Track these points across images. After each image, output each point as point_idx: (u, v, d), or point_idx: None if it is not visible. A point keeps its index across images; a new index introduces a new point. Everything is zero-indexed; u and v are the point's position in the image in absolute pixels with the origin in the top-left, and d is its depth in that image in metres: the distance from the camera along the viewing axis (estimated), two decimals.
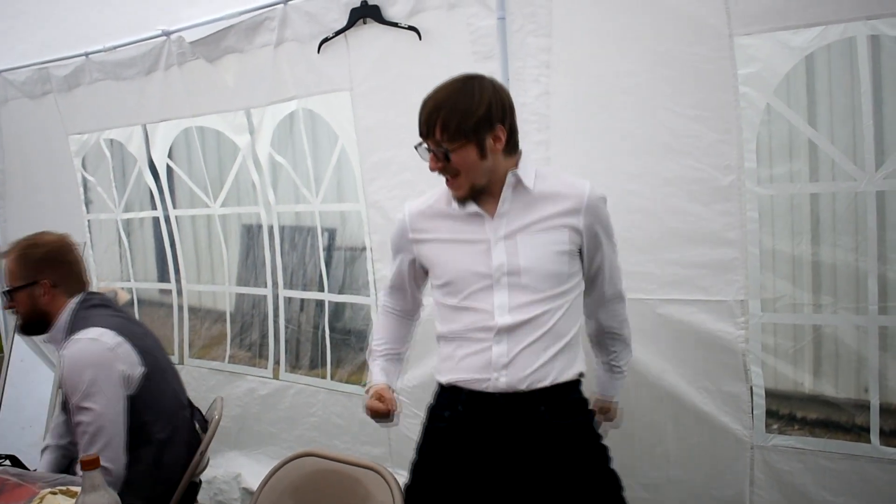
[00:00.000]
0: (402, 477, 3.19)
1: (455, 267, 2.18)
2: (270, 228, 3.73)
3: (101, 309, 2.66)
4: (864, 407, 2.43)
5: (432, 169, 2.13)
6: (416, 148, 2.15)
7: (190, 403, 2.85)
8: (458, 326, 2.18)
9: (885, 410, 2.45)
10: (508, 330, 2.09)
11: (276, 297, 3.79)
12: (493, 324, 2.10)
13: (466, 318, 2.16)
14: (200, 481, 2.85)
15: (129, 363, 2.52)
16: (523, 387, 2.08)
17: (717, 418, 2.54)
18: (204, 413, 2.92)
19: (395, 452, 3.30)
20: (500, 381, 2.09)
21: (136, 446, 2.50)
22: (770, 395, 2.57)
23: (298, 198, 3.61)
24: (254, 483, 3.47)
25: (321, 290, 3.65)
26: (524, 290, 2.10)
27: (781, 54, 2.35)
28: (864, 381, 2.48)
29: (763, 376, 2.55)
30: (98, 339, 2.50)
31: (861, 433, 2.44)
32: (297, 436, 3.63)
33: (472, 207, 2.15)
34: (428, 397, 3.14)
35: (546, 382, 2.09)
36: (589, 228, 2.14)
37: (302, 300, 3.77)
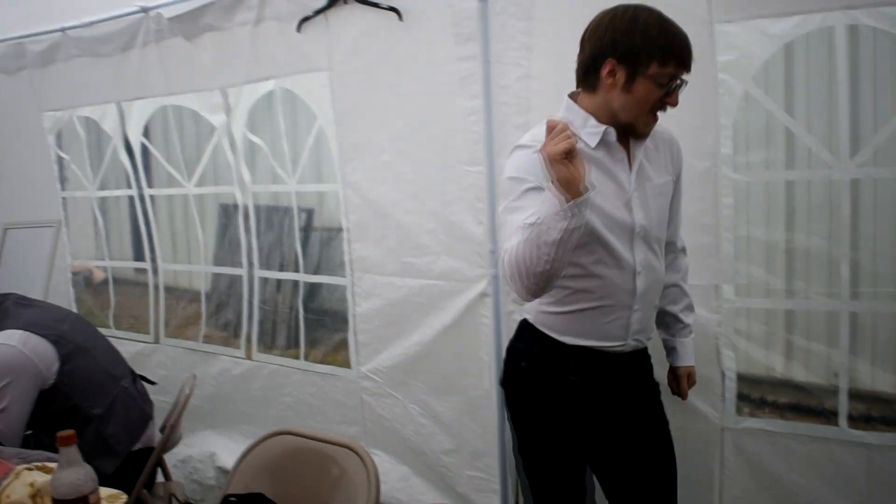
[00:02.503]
0: (377, 456, 3.23)
1: (603, 217, 1.99)
2: (246, 208, 3.71)
3: (12, 308, 2.70)
4: (834, 392, 2.47)
5: (675, 105, 1.98)
6: (677, 86, 1.95)
7: (130, 372, 2.91)
8: (595, 286, 2.05)
9: (854, 395, 2.49)
10: (643, 294, 2.09)
11: (250, 278, 3.78)
12: (633, 287, 2.07)
13: (608, 277, 2.04)
14: (151, 449, 2.90)
15: (43, 358, 2.60)
16: (643, 345, 2.20)
17: (689, 401, 2.57)
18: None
19: (369, 432, 3.32)
20: (630, 342, 2.13)
21: (76, 428, 2.54)
22: (742, 378, 2.61)
23: (275, 178, 3.59)
24: (229, 462, 3.48)
25: (297, 270, 3.65)
26: (649, 247, 2.09)
27: (760, 42, 2.37)
28: (834, 366, 2.51)
29: (735, 360, 2.58)
30: (6, 343, 2.57)
31: (830, 417, 2.48)
32: (272, 415, 3.63)
33: (621, 153, 2.04)
34: (403, 378, 3.17)
35: (651, 335, 2.22)
36: (678, 175, 2.17)
37: (278, 280, 3.77)
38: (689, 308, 2.38)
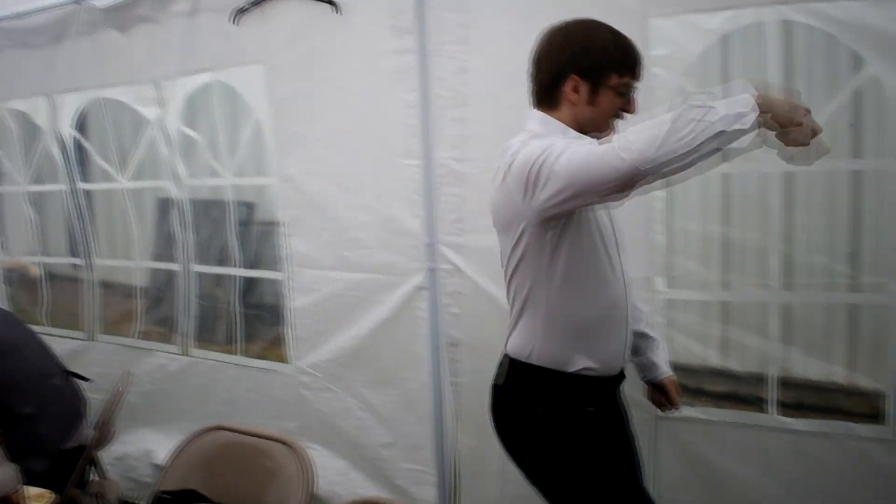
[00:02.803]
0: (316, 451, 3.22)
1: (599, 224, 2.00)
2: (181, 203, 3.66)
3: None
4: (766, 380, 2.51)
5: (633, 113, 2.00)
6: (628, 93, 1.98)
7: (62, 369, 2.87)
8: (599, 305, 2.02)
9: (785, 383, 2.55)
10: (631, 307, 2.10)
11: (186, 273, 3.73)
12: (625, 298, 2.06)
13: (607, 293, 2.02)
14: (84, 447, 2.86)
15: None
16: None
17: (626, 391, 2.60)
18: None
19: (307, 426, 3.30)
20: (623, 361, 2.14)
21: (6, 427, 2.50)
22: (679, 369, 2.64)
23: (212, 172, 3.55)
24: (166, 459, 3.43)
25: (234, 265, 3.62)
26: (622, 258, 2.09)
27: (694, 37, 2.41)
28: (766, 356, 2.56)
29: (671, 351, 2.61)
30: None
31: (762, 405, 2.53)
32: (210, 411, 3.59)
33: None
34: (341, 373, 3.17)
35: None
36: None
37: (216, 275, 3.73)
38: (647, 322, 2.39)
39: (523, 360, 2.04)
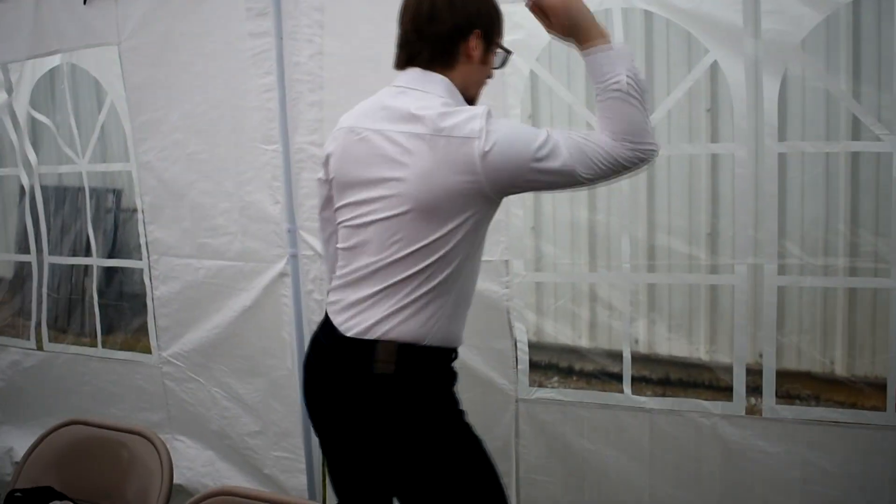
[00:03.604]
0: (181, 442, 3.16)
1: None
2: (32, 191, 3.50)
3: None
4: (626, 359, 2.57)
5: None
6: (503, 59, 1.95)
7: None
8: (474, 284, 1.97)
9: (638, 360, 2.62)
10: None
11: (40, 264, 3.58)
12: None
13: (479, 273, 1.98)
14: None
15: None
16: None
17: (485, 374, 2.63)
18: None
19: (173, 418, 3.24)
20: None
21: None
22: (535, 348, 2.69)
23: (64, 158, 3.42)
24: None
25: (89, 254, 3.49)
26: None
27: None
28: (627, 335, 2.62)
29: (527, 332, 2.65)
30: None
31: (616, 384, 2.59)
32: (72, 406, 3.47)
33: None
34: (205, 362, 3.11)
35: None
36: None
37: (71, 266, 3.60)
38: None
39: (420, 344, 1.87)
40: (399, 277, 1.83)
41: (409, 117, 1.80)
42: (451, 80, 1.88)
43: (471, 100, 1.92)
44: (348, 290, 1.90)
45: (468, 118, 1.76)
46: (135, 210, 3.47)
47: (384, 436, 1.89)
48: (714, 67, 2.36)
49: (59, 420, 2.50)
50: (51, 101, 3.39)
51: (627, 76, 1.74)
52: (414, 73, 1.89)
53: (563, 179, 1.75)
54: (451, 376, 1.97)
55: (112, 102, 3.17)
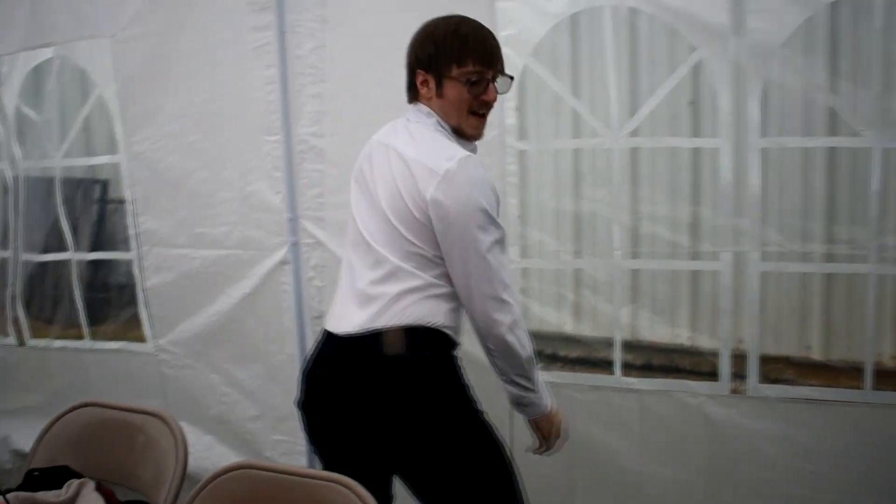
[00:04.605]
0: None
1: None
2: (16, 185, 3.53)
3: None
4: (613, 344, 2.67)
5: (492, 101, 2.05)
6: (487, 82, 2.02)
7: None
8: None
9: (629, 346, 2.72)
10: None
11: (16, 259, 3.62)
12: None
13: None
14: None
15: None
16: None
17: (481, 357, 2.67)
18: None
19: (170, 405, 3.28)
20: None
21: None
22: (534, 336, 2.76)
23: (47, 152, 3.46)
24: (25, 444, 3.34)
25: (71, 248, 3.54)
26: None
27: (537, 19, 2.53)
28: (614, 321, 2.71)
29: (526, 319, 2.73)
30: None
31: (607, 367, 2.69)
32: (66, 398, 3.50)
33: None
34: (203, 349, 3.16)
35: None
36: None
37: (56, 260, 3.60)
38: None
39: (430, 325, 1.97)
40: (409, 261, 1.97)
41: None
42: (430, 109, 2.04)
43: (457, 130, 2.04)
44: None
45: (447, 157, 1.93)
46: (122, 201, 3.52)
47: (405, 420, 1.97)
48: (698, 64, 2.46)
49: (57, 408, 2.53)
50: (39, 94, 3.40)
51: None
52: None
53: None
54: (458, 366, 2.07)
55: (100, 95, 3.22)
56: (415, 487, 2.04)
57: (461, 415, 2.03)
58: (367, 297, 1.99)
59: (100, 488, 2.03)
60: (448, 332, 2.01)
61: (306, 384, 2.13)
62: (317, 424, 2.13)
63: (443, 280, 1.97)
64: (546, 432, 2.11)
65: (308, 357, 2.18)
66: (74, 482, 2.03)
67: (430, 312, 1.97)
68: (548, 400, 2.10)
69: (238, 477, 1.82)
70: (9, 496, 1.83)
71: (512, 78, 2.09)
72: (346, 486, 1.67)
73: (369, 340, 1.96)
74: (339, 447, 2.07)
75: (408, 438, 1.98)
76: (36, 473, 2.10)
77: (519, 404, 2.08)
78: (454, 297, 1.98)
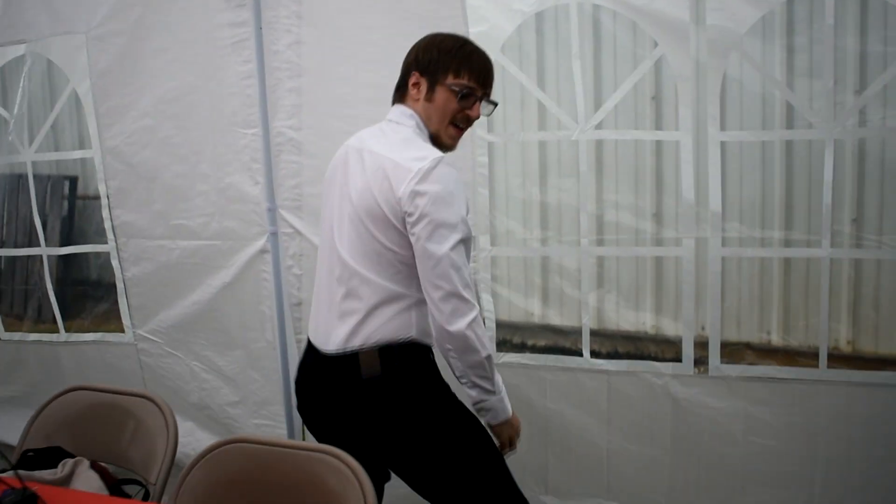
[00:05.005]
0: None
1: None
2: None
3: None
4: (581, 330, 2.78)
5: (475, 118, 2.15)
6: (476, 98, 2.12)
7: None
8: None
9: (595, 333, 2.83)
10: None
11: None
12: None
13: None
14: None
15: None
16: None
17: None
18: None
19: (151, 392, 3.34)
20: None
21: None
22: (504, 326, 2.87)
23: (17, 147, 3.48)
24: (7, 436, 3.37)
25: (41, 243, 3.56)
26: None
27: (506, 16, 2.62)
28: (581, 306, 2.81)
29: (494, 304, 2.83)
30: None
31: (577, 350, 2.80)
32: (44, 390, 3.55)
33: None
34: (183, 337, 3.22)
35: None
36: None
37: (27, 256, 3.63)
38: None
39: (402, 341, 2.06)
40: (371, 280, 2.05)
41: None
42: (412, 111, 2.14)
43: (435, 137, 2.13)
44: None
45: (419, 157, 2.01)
46: (95, 197, 3.55)
47: (389, 435, 2.08)
48: (660, 60, 2.57)
49: (36, 400, 2.54)
50: (11, 91, 3.42)
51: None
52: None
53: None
54: (435, 367, 2.15)
55: (73, 91, 3.25)
56: (413, 486, 2.14)
57: (445, 417, 2.12)
58: (340, 311, 2.09)
59: (94, 466, 2.09)
60: (420, 340, 2.09)
61: (297, 394, 2.25)
62: (314, 427, 2.25)
63: (412, 288, 2.03)
64: (505, 439, 2.15)
65: (297, 365, 2.28)
66: (69, 461, 2.10)
67: (400, 327, 2.06)
68: (509, 406, 2.13)
69: (232, 450, 1.89)
70: (3, 476, 1.88)
71: (496, 105, 2.19)
72: (337, 457, 1.75)
73: (348, 362, 2.06)
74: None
75: (397, 450, 2.11)
76: (30, 454, 2.15)
77: (480, 409, 2.10)
78: (421, 302, 2.04)
